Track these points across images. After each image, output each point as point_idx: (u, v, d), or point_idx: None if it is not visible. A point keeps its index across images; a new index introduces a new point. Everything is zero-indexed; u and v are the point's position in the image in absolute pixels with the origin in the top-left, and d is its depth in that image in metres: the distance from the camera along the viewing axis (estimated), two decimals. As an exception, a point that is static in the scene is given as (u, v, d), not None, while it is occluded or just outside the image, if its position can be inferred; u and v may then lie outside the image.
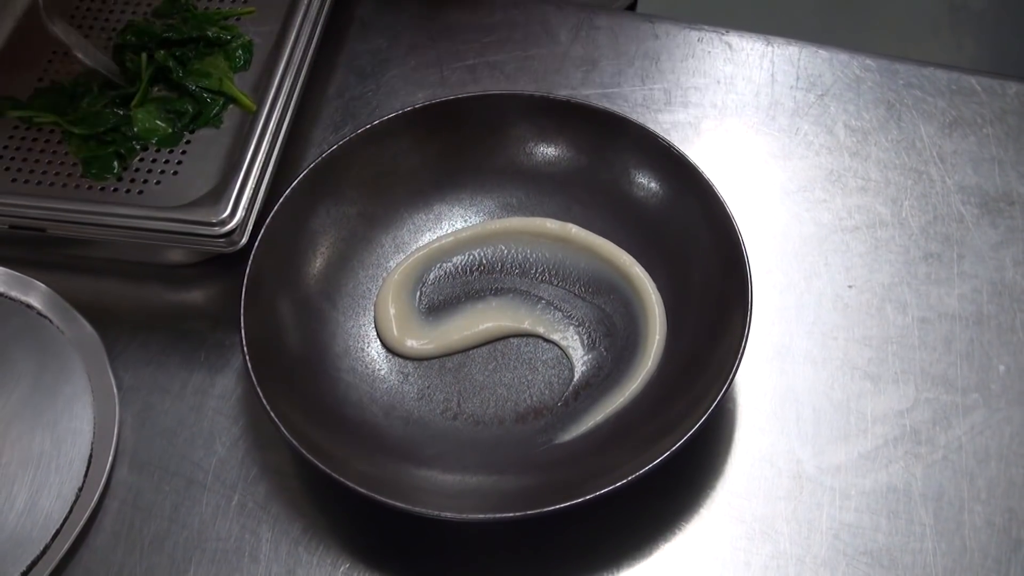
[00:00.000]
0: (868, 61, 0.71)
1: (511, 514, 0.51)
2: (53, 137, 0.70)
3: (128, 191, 0.67)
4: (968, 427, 0.57)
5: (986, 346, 0.60)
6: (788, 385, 0.59)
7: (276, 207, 0.60)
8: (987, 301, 0.61)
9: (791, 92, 0.70)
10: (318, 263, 0.62)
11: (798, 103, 0.70)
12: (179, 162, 0.68)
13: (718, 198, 0.59)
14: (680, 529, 0.55)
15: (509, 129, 0.65)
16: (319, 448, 0.53)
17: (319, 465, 0.52)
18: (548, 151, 0.65)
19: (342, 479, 0.51)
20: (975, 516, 0.55)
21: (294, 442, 0.52)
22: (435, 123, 0.64)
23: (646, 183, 0.62)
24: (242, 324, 0.56)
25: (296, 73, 0.67)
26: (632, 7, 0.95)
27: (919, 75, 0.70)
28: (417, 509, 0.51)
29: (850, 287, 0.62)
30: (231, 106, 0.70)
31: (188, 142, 0.69)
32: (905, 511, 0.55)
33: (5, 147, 0.69)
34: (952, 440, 0.57)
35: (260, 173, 0.62)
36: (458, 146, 0.65)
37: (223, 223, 0.59)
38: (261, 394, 0.54)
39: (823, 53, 0.72)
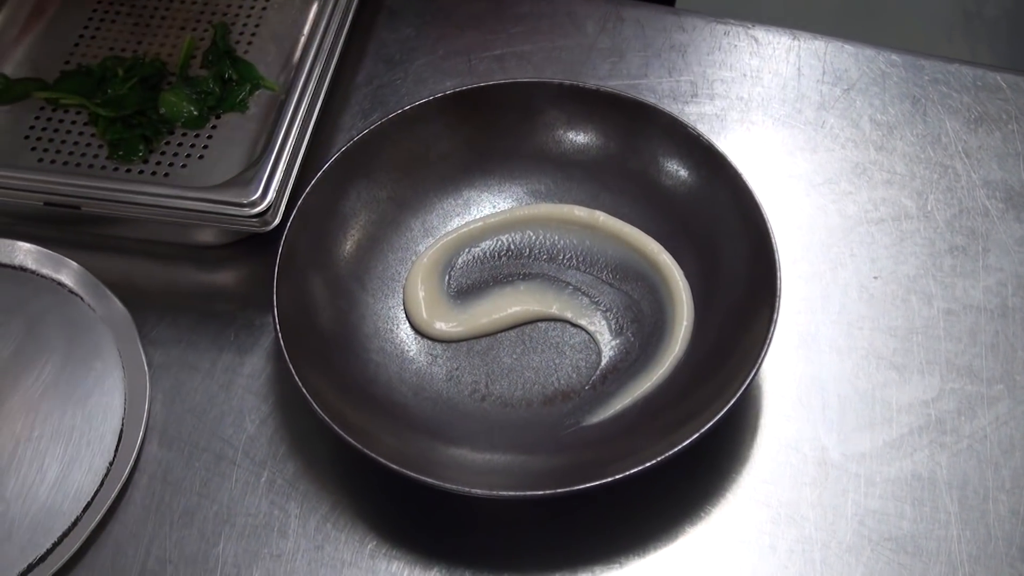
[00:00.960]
0: (894, 56, 0.71)
1: (539, 492, 0.51)
2: (79, 119, 0.71)
3: (154, 173, 0.68)
4: (993, 417, 0.58)
5: (1011, 338, 0.60)
6: (814, 373, 0.60)
7: (309, 187, 0.61)
8: (1012, 294, 0.62)
9: (817, 86, 0.71)
10: (348, 245, 0.62)
11: (824, 97, 0.70)
12: (205, 146, 0.69)
13: (747, 187, 0.59)
14: (706, 513, 0.56)
15: (539, 117, 0.65)
16: (349, 424, 0.54)
17: (349, 440, 0.52)
18: (577, 139, 0.65)
19: (373, 454, 0.52)
20: (1000, 505, 0.55)
21: (324, 416, 0.53)
22: (466, 109, 0.65)
23: (675, 171, 0.63)
24: (275, 300, 0.56)
25: (327, 58, 0.68)
26: (671, 2, 0.96)
27: (944, 71, 0.71)
28: (447, 485, 0.51)
29: (875, 278, 0.63)
30: (257, 92, 0.71)
31: (214, 127, 0.70)
32: (930, 499, 0.55)
33: (31, 127, 0.70)
34: (977, 430, 0.57)
35: (291, 156, 0.63)
36: (488, 132, 0.65)
37: (255, 203, 0.60)
38: (292, 368, 0.54)
39: (849, 48, 0.72)
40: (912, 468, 0.56)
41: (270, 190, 0.61)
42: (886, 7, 1.84)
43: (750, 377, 0.53)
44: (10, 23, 0.75)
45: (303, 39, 0.73)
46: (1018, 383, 0.59)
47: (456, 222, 0.65)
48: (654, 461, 0.51)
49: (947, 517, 0.55)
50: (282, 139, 0.63)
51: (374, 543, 0.56)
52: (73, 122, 0.71)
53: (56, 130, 0.70)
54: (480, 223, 0.64)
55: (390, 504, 0.57)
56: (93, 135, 0.70)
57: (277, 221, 0.61)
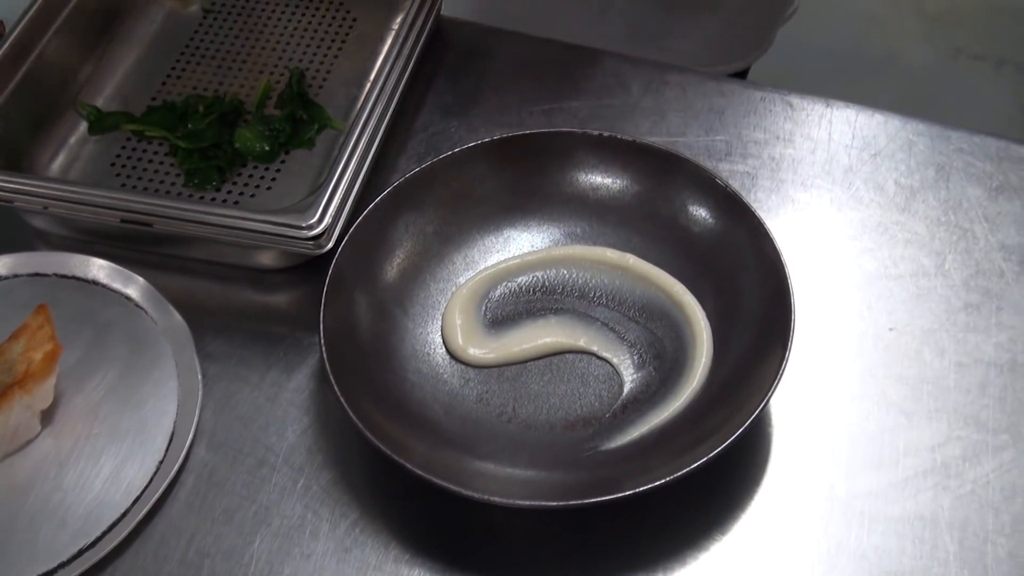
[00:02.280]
0: (921, 126, 0.75)
1: (555, 503, 0.55)
2: (161, 150, 0.77)
3: (225, 201, 0.73)
4: (996, 465, 0.60)
5: (1019, 392, 0.62)
6: (825, 415, 0.62)
7: (362, 216, 0.65)
8: (1022, 351, 0.64)
9: (847, 150, 0.74)
10: (394, 272, 0.67)
11: (852, 160, 0.74)
12: (273, 178, 0.75)
13: (768, 235, 0.63)
14: (714, 539, 0.58)
15: (578, 164, 0.70)
16: (383, 434, 0.57)
17: (381, 447, 0.56)
18: (613, 186, 0.69)
19: (403, 462, 0.56)
20: (998, 548, 0.57)
21: (359, 424, 0.57)
22: (511, 154, 0.69)
23: (702, 219, 0.67)
24: (321, 315, 0.61)
25: (386, 104, 0.73)
26: (743, 76, 1.01)
27: (970, 142, 0.74)
28: (470, 493, 0.55)
29: (891, 330, 0.65)
30: (325, 131, 0.77)
31: (283, 161, 0.76)
32: (931, 538, 0.58)
33: (117, 156, 0.76)
34: (980, 476, 0.60)
35: (348, 188, 0.68)
36: (530, 177, 0.70)
37: (312, 227, 0.65)
38: (333, 380, 0.58)
39: (879, 117, 0.76)
40: (915, 508, 0.59)
41: (326, 216, 0.66)
42: (945, 99, 1.87)
43: (760, 406, 0.56)
44: (105, 64, 0.82)
45: (368, 85, 0.79)
46: (1023, 434, 0.61)
47: (495, 258, 0.69)
48: (665, 480, 0.54)
49: (946, 556, 0.57)
50: (340, 172, 0.68)
51: (398, 550, 0.59)
52: (155, 152, 0.77)
53: (139, 159, 0.76)
54: (518, 260, 0.69)
55: (415, 515, 0.61)
56: (172, 165, 0.76)
57: (330, 245, 0.66)
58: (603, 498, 0.54)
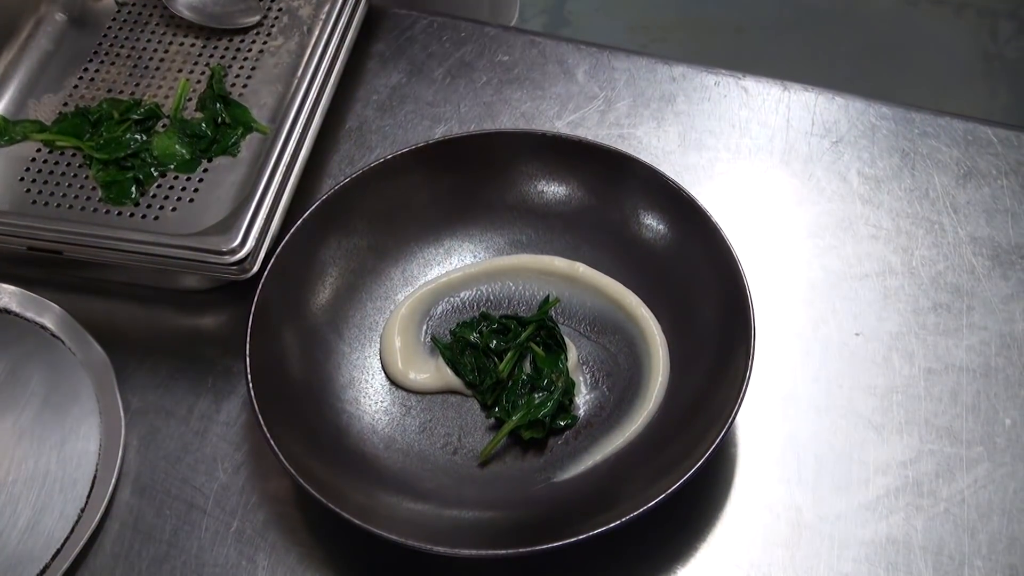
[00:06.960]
0: (884, 109, 0.71)
1: (504, 551, 0.51)
2: (75, 161, 0.71)
3: (144, 216, 0.68)
4: (971, 480, 0.57)
5: (992, 399, 0.59)
6: (791, 431, 0.59)
7: (287, 237, 0.61)
8: (995, 354, 0.61)
9: (806, 138, 0.70)
10: (327, 294, 0.62)
11: (812, 149, 0.70)
12: (195, 190, 0.69)
13: (725, 242, 0.59)
14: (676, 572, 0.55)
15: (521, 167, 0.65)
16: (318, 478, 0.53)
17: (317, 496, 0.52)
18: (559, 190, 0.65)
19: (339, 510, 0.52)
20: (975, 571, 0.54)
21: (293, 472, 0.53)
22: (447, 159, 0.65)
23: (655, 225, 0.62)
24: (247, 352, 0.56)
25: (314, 104, 0.68)
26: None
27: (935, 124, 0.70)
28: (410, 543, 0.51)
29: (857, 335, 0.62)
30: (250, 135, 0.72)
31: (206, 170, 0.70)
32: (904, 563, 0.54)
33: (27, 169, 0.70)
34: (955, 493, 0.56)
35: (273, 202, 0.63)
36: (469, 182, 0.65)
37: (234, 251, 0.60)
38: (262, 423, 0.54)
39: (839, 100, 0.72)
40: (887, 531, 0.55)
41: (250, 238, 0.61)
42: (906, 46, 1.83)
43: (721, 434, 0.52)
44: (10, 65, 0.75)
45: (295, 82, 0.74)
46: (998, 445, 0.58)
47: (436, 271, 0.65)
48: (619, 522, 0.50)
49: (921, 583, 0.54)
50: (264, 186, 0.63)
51: (341, 596, 0.55)
52: (68, 164, 0.71)
53: (51, 172, 0.70)
54: (460, 273, 0.64)
55: (358, 557, 0.57)
56: (88, 177, 0.70)
57: (256, 269, 0.61)
58: (555, 544, 0.50)
